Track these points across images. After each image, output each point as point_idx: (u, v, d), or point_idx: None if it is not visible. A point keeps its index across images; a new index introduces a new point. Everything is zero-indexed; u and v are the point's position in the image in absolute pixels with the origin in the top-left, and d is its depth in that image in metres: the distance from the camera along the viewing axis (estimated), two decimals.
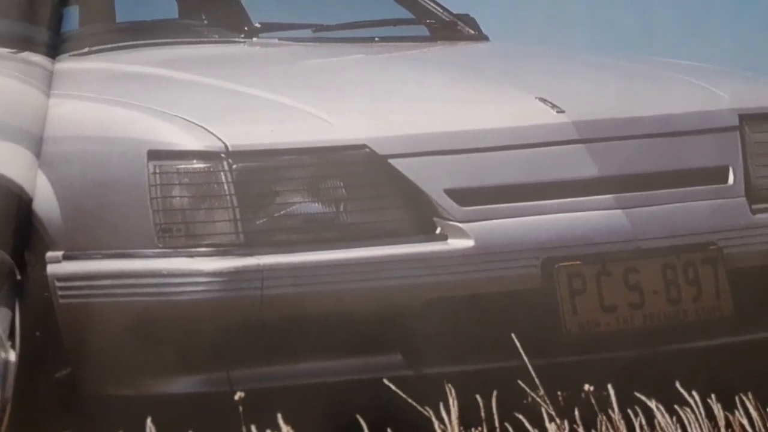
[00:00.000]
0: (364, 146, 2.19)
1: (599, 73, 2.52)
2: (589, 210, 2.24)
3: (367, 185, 2.20)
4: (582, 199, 2.24)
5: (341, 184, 2.19)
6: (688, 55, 2.74)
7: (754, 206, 2.33)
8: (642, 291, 2.22)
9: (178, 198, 2.15)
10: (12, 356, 2.20)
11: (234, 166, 2.15)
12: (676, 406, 2.11)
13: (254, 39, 2.59)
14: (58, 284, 2.16)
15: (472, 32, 2.79)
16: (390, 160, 2.19)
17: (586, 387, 2.12)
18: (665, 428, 2.07)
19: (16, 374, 2.18)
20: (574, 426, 2.08)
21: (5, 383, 2.20)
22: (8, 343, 2.22)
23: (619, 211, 2.25)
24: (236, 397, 2.07)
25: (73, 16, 2.66)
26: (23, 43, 2.45)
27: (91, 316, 2.15)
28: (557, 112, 2.30)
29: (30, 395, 2.19)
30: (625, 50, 2.84)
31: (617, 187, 2.26)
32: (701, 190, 2.30)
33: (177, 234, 2.13)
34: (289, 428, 2.02)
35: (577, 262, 2.20)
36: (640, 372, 2.20)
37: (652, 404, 2.09)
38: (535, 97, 2.30)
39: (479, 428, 2.08)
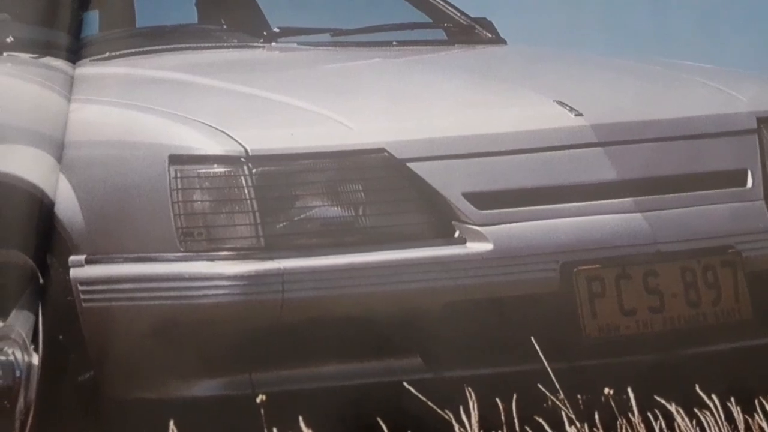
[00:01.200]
0: (382, 150, 2.20)
1: (616, 75, 2.52)
2: (608, 213, 2.24)
3: (385, 189, 2.20)
4: (601, 203, 2.25)
5: (360, 187, 2.20)
6: (704, 58, 2.75)
7: None
8: (662, 294, 2.22)
9: (199, 202, 2.16)
10: (35, 359, 2.21)
11: (254, 170, 2.16)
12: (695, 410, 2.11)
13: (273, 44, 2.60)
14: (80, 288, 2.18)
15: (490, 36, 2.79)
16: (408, 164, 2.20)
17: (606, 390, 2.12)
18: (685, 431, 2.08)
19: (39, 377, 2.19)
20: (594, 429, 2.08)
21: (29, 386, 2.22)
22: (31, 347, 2.23)
23: (638, 215, 2.24)
24: (258, 400, 2.09)
25: (93, 21, 2.67)
26: (44, 49, 2.46)
27: (114, 319, 2.16)
28: (575, 115, 2.30)
29: (53, 398, 2.21)
30: (640, 53, 2.85)
31: (636, 190, 2.26)
32: (720, 193, 2.30)
33: (198, 238, 2.14)
34: (310, 431, 2.04)
35: (597, 266, 2.21)
36: (660, 375, 2.20)
37: (671, 408, 2.10)
38: (553, 101, 2.30)
39: (499, 431, 2.10)
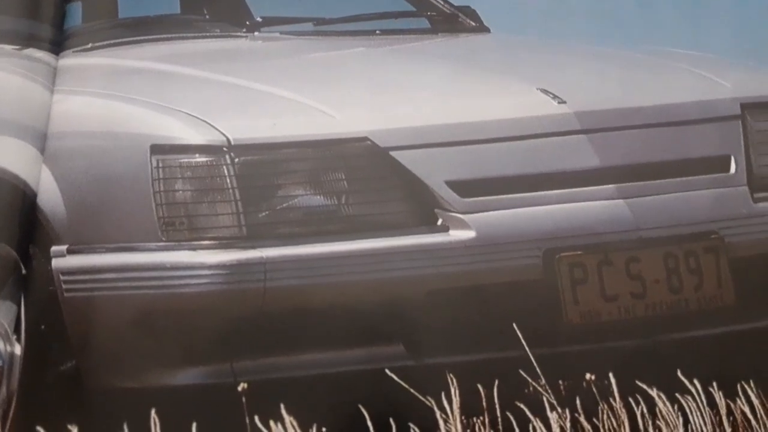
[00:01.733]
0: (365, 139, 2.20)
1: (600, 63, 2.51)
2: (590, 200, 2.24)
3: (369, 177, 2.20)
4: (583, 190, 2.24)
5: (343, 176, 2.20)
6: (688, 45, 2.75)
7: (755, 195, 2.32)
8: (643, 280, 2.22)
9: (180, 192, 2.15)
10: (17, 349, 2.21)
11: (236, 160, 2.16)
12: (677, 395, 2.12)
13: (256, 33, 2.59)
14: (62, 278, 2.17)
15: (474, 24, 2.79)
16: (391, 153, 2.20)
17: (588, 376, 2.12)
18: (667, 416, 2.08)
19: (21, 367, 2.19)
20: (576, 415, 2.09)
21: (11, 376, 2.21)
22: (14, 337, 2.23)
23: (620, 201, 2.24)
24: (239, 388, 2.09)
25: (76, 12, 2.67)
26: (27, 40, 2.46)
27: (96, 309, 2.16)
28: (558, 102, 2.30)
29: (35, 388, 2.21)
30: (625, 40, 2.85)
31: (618, 177, 2.26)
32: (703, 179, 2.30)
33: (180, 227, 2.14)
34: (291, 419, 2.03)
35: (579, 252, 2.21)
36: (642, 361, 2.20)
37: (653, 393, 2.10)
38: (537, 88, 2.30)
39: (481, 418, 2.09)
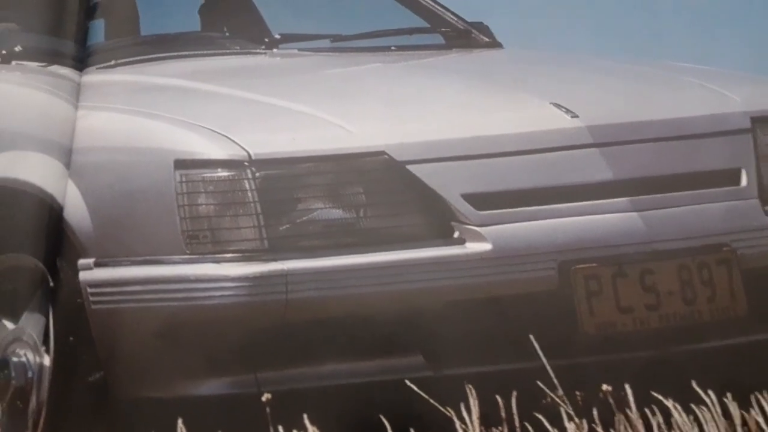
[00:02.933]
0: (382, 153, 2.24)
1: (612, 77, 2.55)
2: (604, 213, 2.28)
3: (386, 191, 2.24)
4: (597, 203, 2.28)
5: (361, 190, 2.24)
6: (697, 59, 2.79)
7: (767, 207, 2.35)
8: (658, 292, 2.26)
9: (204, 206, 2.20)
10: (46, 361, 2.26)
11: (257, 174, 2.20)
12: (692, 405, 2.14)
13: (274, 50, 2.64)
14: (89, 290, 2.22)
15: (487, 40, 2.83)
16: (408, 166, 2.24)
17: (604, 387, 2.15)
18: (682, 427, 2.10)
19: (50, 378, 2.24)
20: (593, 425, 2.12)
21: (41, 387, 2.26)
22: (42, 348, 2.27)
23: (634, 214, 2.28)
24: (263, 399, 2.13)
25: (98, 30, 2.72)
26: (51, 57, 2.50)
27: (122, 321, 2.21)
28: (571, 116, 2.33)
29: (64, 398, 2.25)
30: (634, 54, 2.89)
31: (632, 190, 2.30)
32: (714, 192, 2.34)
33: (203, 240, 2.19)
34: (314, 429, 2.07)
35: (594, 265, 2.25)
36: (657, 372, 2.24)
37: (669, 403, 2.13)
38: (550, 103, 2.34)
39: (500, 428, 2.12)
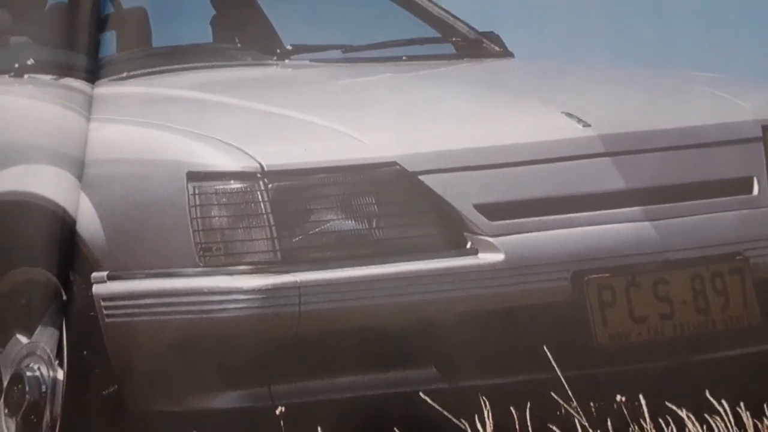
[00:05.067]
0: (394, 163, 2.24)
1: (623, 86, 2.55)
2: (617, 222, 2.27)
3: (398, 202, 2.24)
4: (610, 212, 2.28)
5: (373, 200, 2.24)
6: (708, 67, 2.78)
7: None
8: (671, 302, 2.26)
9: (217, 218, 2.20)
10: (60, 375, 2.26)
11: (270, 186, 2.20)
12: (706, 415, 2.15)
13: (286, 61, 2.64)
14: (103, 303, 2.22)
15: (498, 49, 2.83)
16: (420, 177, 2.23)
17: (618, 398, 2.16)
18: None
19: (64, 392, 2.24)
20: None
21: (54, 401, 2.26)
22: (56, 362, 2.27)
23: (647, 223, 2.28)
24: (277, 412, 2.13)
25: (110, 42, 2.74)
26: (63, 70, 2.51)
27: (136, 334, 2.21)
28: (583, 126, 2.33)
29: (78, 412, 2.25)
30: (645, 63, 2.88)
31: (644, 199, 2.30)
32: (727, 201, 2.34)
33: (217, 253, 2.19)
34: None
35: (607, 275, 2.24)
36: (671, 382, 2.23)
37: (683, 414, 2.13)
38: (561, 112, 2.34)
39: None
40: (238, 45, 2.73)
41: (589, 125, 2.33)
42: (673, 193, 2.32)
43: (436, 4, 2.89)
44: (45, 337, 2.30)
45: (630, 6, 2.88)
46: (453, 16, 2.88)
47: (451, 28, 2.83)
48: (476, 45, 2.78)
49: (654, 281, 2.24)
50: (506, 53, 2.82)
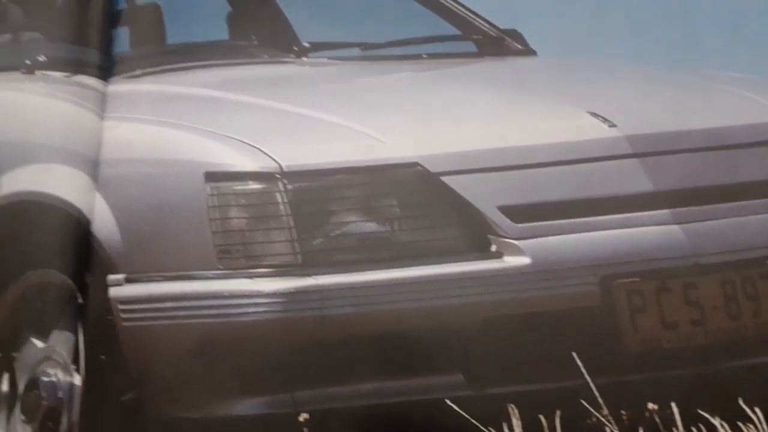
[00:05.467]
0: (416, 164, 2.18)
1: (649, 86, 2.49)
2: (645, 225, 2.22)
3: (420, 203, 2.18)
4: (638, 215, 2.22)
5: (395, 202, 2.18)
6: (733, 66, 2.73)
7: None
8: (702, 307, 2.20)
9: (236, 219, 2.14)
10: (77, 380, 2.20)
11: (289, 186, 2.15)
12: (739, 423, 2.10)
13: (304, 59, 2.59)
14: (120, 307, 2.17)
15: (520, 47, 2.77)
16: (442, 178, 2.18)
17: (650, 405, 2.10)
18: None
19: (81, 398, 2.18)
20: None
21: (71, 407, 2.20)
22: (73, 367, 2.22)
23: (676, 227, 2.22)
24: (301, 419, 2.08)
25: (123, 38, 2.68)
26: (76, 67, 2.44)
27: (155, 338, 2.15)
28: (609, 126, 2.27)
29: (96, 419, 2.19)
30: (670, 62, 2.83)
31: (673, 201, 2.24)
32: (757, 203, 2.28)
33: (236, 255, 2.13)
34: None
35: (636, 279, 2.18)
36: (703, 389, 2.18)
37: (715, 421, 2.09)
38: (587, 112, 2.28)
39: None
40: (255, 42, 2.66)
41: (615, 125, 2.26)
42: (702, 196, 2.26)
43: (456, 1, 2.85)
44: (61, 342, 2.24)
45: (653, 4, 2.84)
46: (474, 13, 2.81)
47: (471, 26, 2.76)
48: (498, 43, 2.72)
49: (684, 286, 2.18)
50: (528, 51, 2.75)
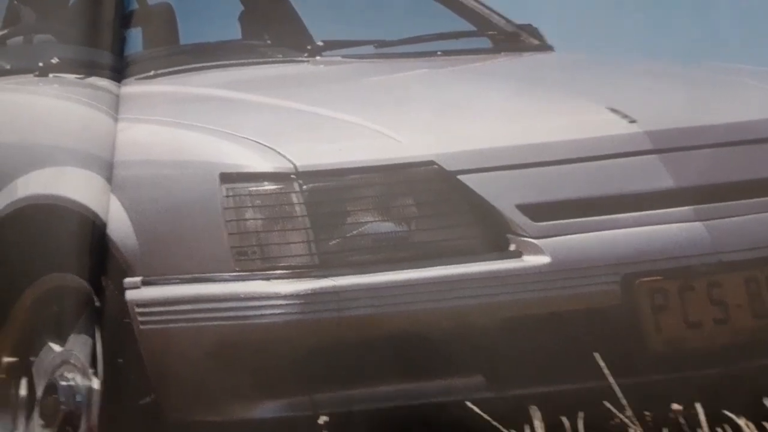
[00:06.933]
0: (432, 163, 2.16)
1: (668, 81, 2.47)
2: (667, 223, 2.19)
3: (437, 202, 2.16)
4: (659, 212, 2.20)
5: (411, 201, 2.16)
6: (752, 61, 2.70)
7: None
8: (726, 306, 2.18)
9: (251, 220, 2.13)
10: (95, 384, 2.19)
11: (304, 187, 2.13)
12: (765, 423, 2.08)
13: (317, 57, 2.57)
14: (137, 310, 2.15)
15: (536, 43, 2.74)
16: (459, 176, 2.16)
17: (674, 406, 2.08)
18: None
19: (100, 402, 2.17)
20: None
21: (90, 411, 2.19)
22: (91, 371, 2.21)
23: (698, 224, 2.20)
24: (320, 422, 2.07)
25: (135, 39, 2.67)
26: (89, 68, 2.43)
27: (172, 341, 2.14)
28: (629, 122, 2.25)
29: (115, 423, 2.18)
30: (689, 56, 2.81)
31: (694, 198, 2.21)
32: None
33: (253, 256, 2.11)
34: None
35: (659, 278, 2.16)
36: (728, 388, 2.15)
37: (740, 421, 2.07)
38: (606, 108, 2.26)
39: None
40: (268, 42, 2.64)
41: (635, 121, 2.24)
42: (724, 192, 2.23)
43: None
44: (79, 345, 2.23)
45: None
46: (489, 8, 2.79)
47: (487, 21, 2.74)
48: (514, 38, 2.69)
49: (708, 284, 2.15)
50: (545, 47, 2.72)
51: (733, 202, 2.24)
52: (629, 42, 2.88)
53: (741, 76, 2.51)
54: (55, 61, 2.45)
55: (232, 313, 2.11)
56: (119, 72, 2.43)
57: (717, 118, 2.32)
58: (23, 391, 2.27)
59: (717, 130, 2.30)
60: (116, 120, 2.29)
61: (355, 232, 2.15)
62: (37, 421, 2.26)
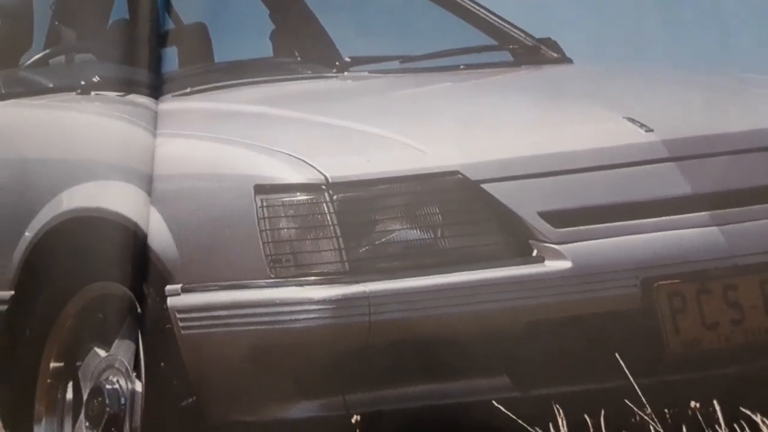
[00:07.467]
0: (456, 172, 2.25)
1: (685, 90, 2.54)
2: (683, 228, 2.26)
3: (462, 210, 2.25)
4: (677, 218, 2.27)
5: (437, 210, 2.24)
6: (763, 70, 2.75)
7: None
8: (742, 307, 2.25)
9: (285, 230, 2.21)
10: (138, 387, 2.28)
11: (335, 197, 2.22)
12: None
13: (345, 73, 2.66)
14: (178, 316, 2.24)
15: (556, 55, 2.82)
16: (483, 185, 2.24)
17: (693, 404, 2.15)
18: None
19: (143, 405, 2.26)
20: None
21: (133, 413, 2.29)
22: (134, 375, 2.30)
23: (714, 228, 2.27)
24: (353, 420, 2.15)
25: (171, 57, 2.76)
26: (128, 86, 2.53)
27: (211, 345, 2.22)
28: (646, 131, 2.32)
29: (158, 425, 2.27)
30: (705, 66, 2.86)
31: (711, 203, 2.29)
32: None
33: (287, 264, 2.20)
34: None
35: (677, 281, 2.23)
36: (745, 387, 2.21)
37: (757, 418, 2.12)
38: (623, 117, 2.33)
39: None
40: (298, 58, 2.74)
41: (652, 130, 2.31)
42: (739, 198, 2.30)
43: (491, 12, 2.91)
44: (122, 350, 2.32)
45: (687, 8, 2.87)
46: (509, 23, 2.86)
47: (507, 36, 2.82)
48: (534, 52, 2.77)
49: (724, 287, 2.23)
50: (564, 59, 2.80)
51: (748, 208, 2.32)
52: (647, 53, 2.94)
53: (755, 85, 2.56)
54: (96, 79, 2.54)
55: (267, 318, 2.20)
56: (157, 89, 2.51)
57: (731, 127, 2.38)
58: (69, 394, 2.36)
59: (731, 138, 2.37)
60: (155, 135, 2.38)
61: (383, 240, 2.24)
62: (83, 423, 2.34)
